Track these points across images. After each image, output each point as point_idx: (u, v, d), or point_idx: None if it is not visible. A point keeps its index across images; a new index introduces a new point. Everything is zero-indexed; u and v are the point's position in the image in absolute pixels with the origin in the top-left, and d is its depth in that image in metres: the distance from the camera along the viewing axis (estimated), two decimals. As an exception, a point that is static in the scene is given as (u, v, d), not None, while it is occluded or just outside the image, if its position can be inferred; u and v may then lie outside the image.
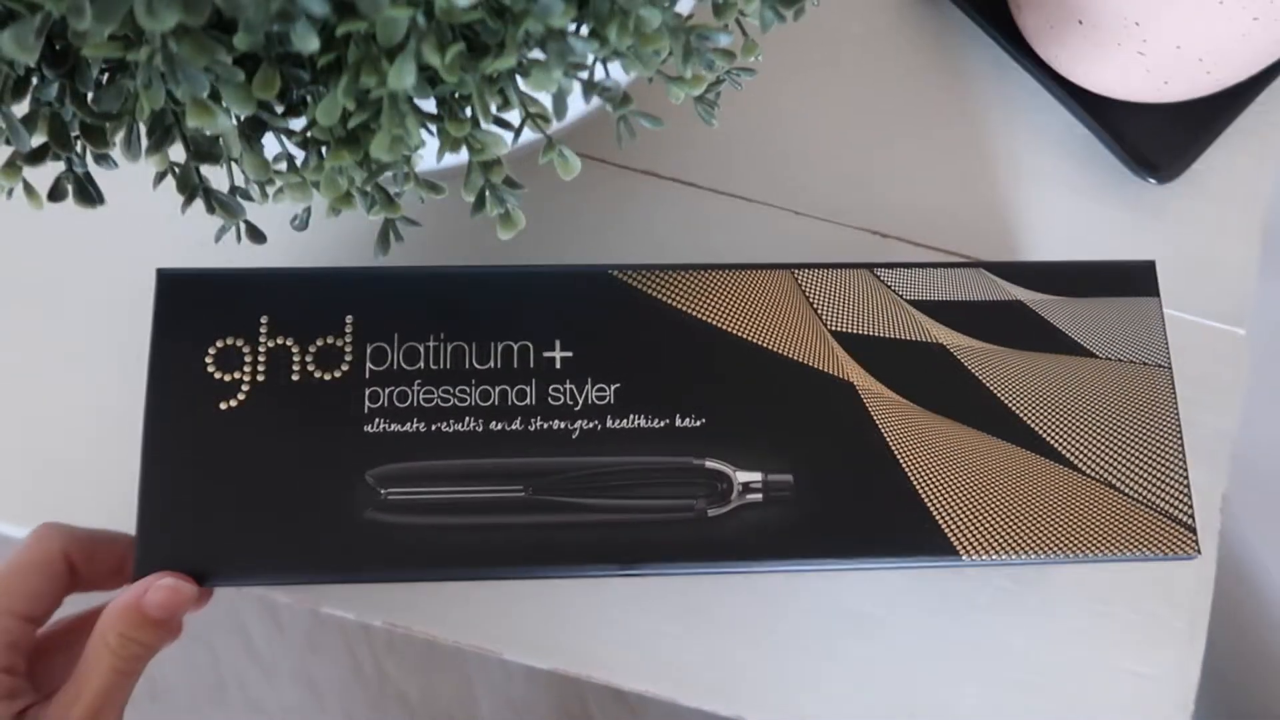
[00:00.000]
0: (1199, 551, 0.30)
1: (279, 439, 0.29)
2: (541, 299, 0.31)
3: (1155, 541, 0.30)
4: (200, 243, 0.31)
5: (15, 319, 0.38)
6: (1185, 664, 0.38)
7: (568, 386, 0.31)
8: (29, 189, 0.25)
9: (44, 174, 0.24)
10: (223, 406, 0.30)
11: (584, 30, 0.22)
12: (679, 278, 0.32)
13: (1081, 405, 0.32)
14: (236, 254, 0.35)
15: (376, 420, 0.30)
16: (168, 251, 0.33)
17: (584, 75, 0.23)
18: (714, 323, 0.32)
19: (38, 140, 0.24)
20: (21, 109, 0.23)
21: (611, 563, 0.29)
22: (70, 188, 0.25)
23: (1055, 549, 0.30)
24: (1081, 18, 0.36)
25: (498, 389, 0.30)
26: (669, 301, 0.32)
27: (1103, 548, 0.30)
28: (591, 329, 0.31)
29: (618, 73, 0.27)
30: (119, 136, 0.23)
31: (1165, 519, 0.31)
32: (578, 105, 0.29)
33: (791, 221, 0.41)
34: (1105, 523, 0.31)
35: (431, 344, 0.31)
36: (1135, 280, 0.34)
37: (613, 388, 0.31)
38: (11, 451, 0.37)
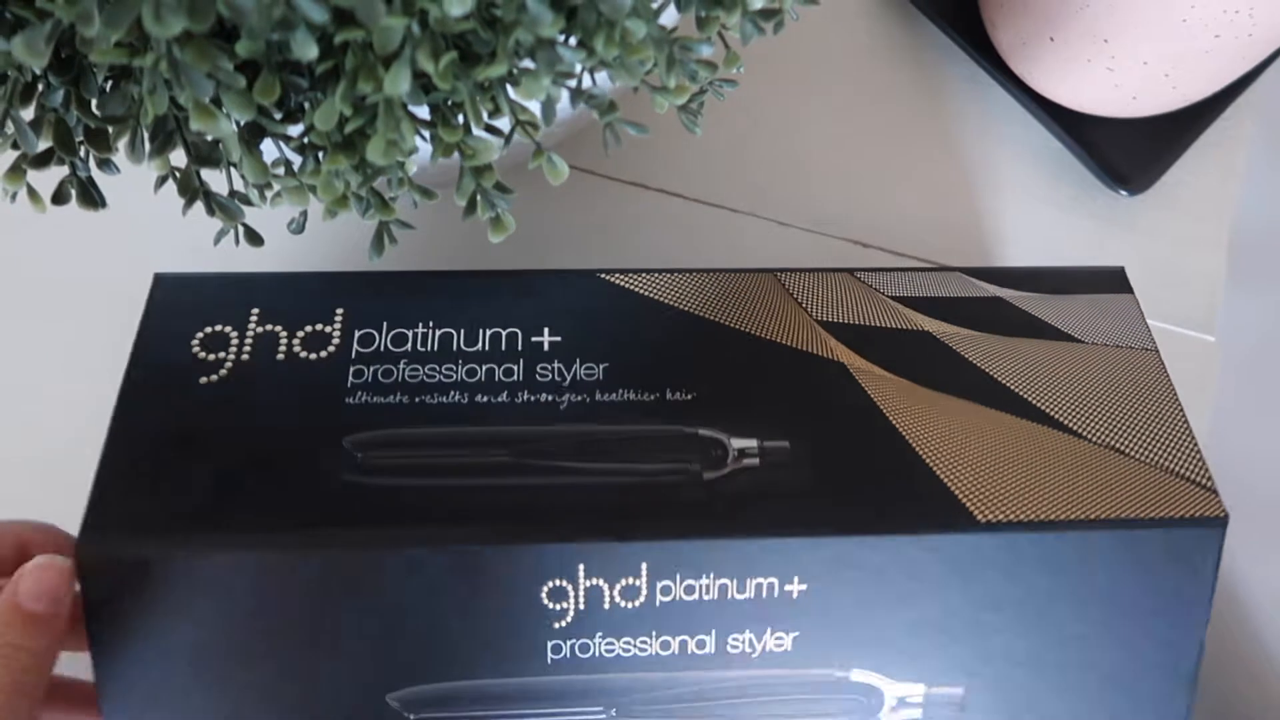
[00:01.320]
0: (1225, 513, 0.29)
1: (255, 410, 0.29)
2: (531, 295, 0.32)
3: (1177, 503, 0.29)
4: (196, 249, 0.32)
5: (13, 322, 0.39)
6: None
7: (555, 365, 0.30)
8: (32, 193, 0.25)
9: (45, 179, 0.25)
10: (202, 381, 0.29)
11: (572, 41, 0.23)
12: (666, 279, 0.33)
13: (1076, 381, 0.31)
14: (234, 258, 0.36)
15: (359, 394, 0.29)
16: (165, 256, 0.34)
17: (572, 84, 0.24)
18: (701, 314, 0.32)
19: (43, 145, 0.24)
20: (27, 115, 0.24)
21: (601, 527, 0.27)
22: (74, 191, 0.25)
23: (1075, 510, 0.28)
24: (1053, 35, 0.38)
25: (484, 367, 0.30)
26: (656, 298, 0.32)
27: (1124, 509, 0.28)
28: (580, 318, 0.31)
29: (605, 84, 0.28)
30: (123, 141, 0.24)
31: (1183, 481, 0.29)
32: (567, 114, 0.30)
33: (775, 231, 0.42)
34: (1123, 485, 0.29)
35: (420, 330, 0.31)
36: (1108, 283, 0.35)
37: (601, 366, 0.30)
38: (10, 455, 0.38)
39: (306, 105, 0.24)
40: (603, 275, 0.33)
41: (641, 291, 0.33)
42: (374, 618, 0.27)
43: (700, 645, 0.28)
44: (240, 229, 0.27)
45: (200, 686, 0.28)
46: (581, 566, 0.27)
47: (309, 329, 0.30)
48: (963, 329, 0.32)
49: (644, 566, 0.27)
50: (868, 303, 0.33)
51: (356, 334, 0.31)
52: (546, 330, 0.31)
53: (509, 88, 0.24)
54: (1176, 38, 0.35)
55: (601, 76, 0.25)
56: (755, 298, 0.33)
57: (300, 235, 0.29)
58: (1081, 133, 0.41)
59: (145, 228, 0.38)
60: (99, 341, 0.38)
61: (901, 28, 0.45)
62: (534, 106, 0.24)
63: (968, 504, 0.28)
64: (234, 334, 0.30)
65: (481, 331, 0.31)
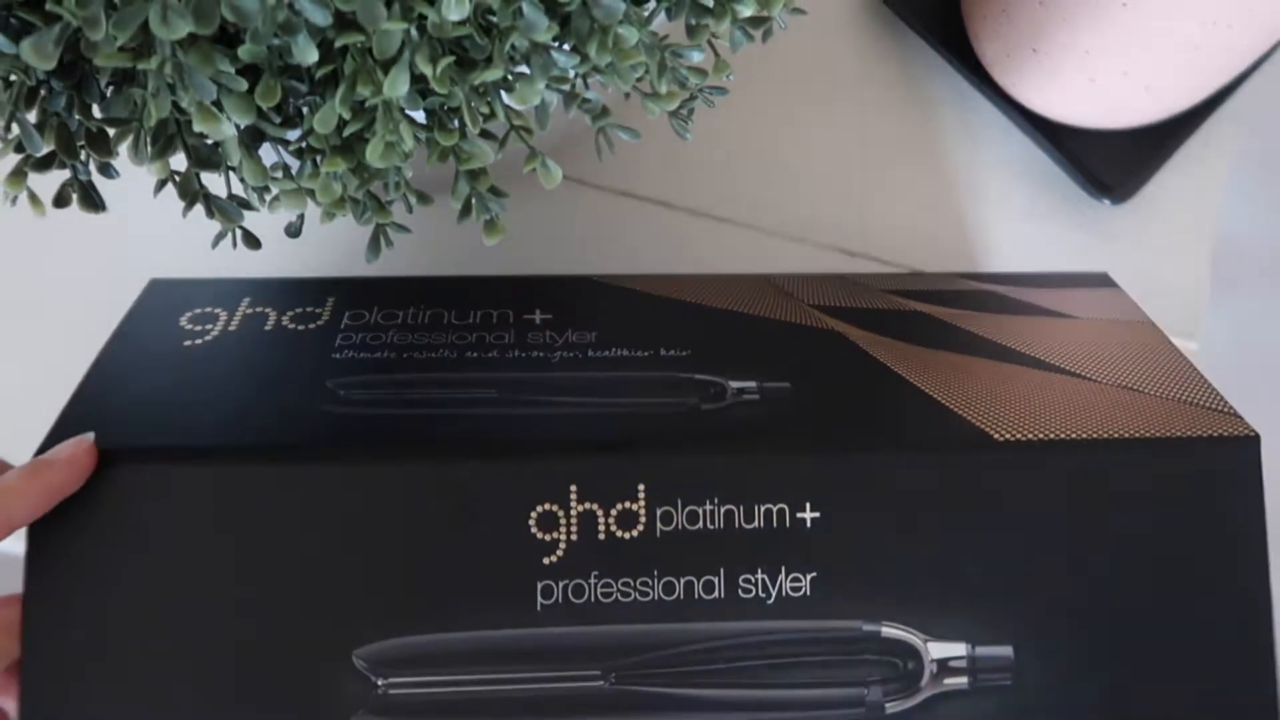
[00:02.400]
0: (1256, 434, 0.26)
1: (237, 363, 0.28)
2: (523, 288, 0.33)
3: (1203, 425, 0.26)
4: (193, 257, 0.32)
5: (9, 324, 0.39)
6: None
7: (547, 333, 0.30)
8: (33, 196, 0.26)
9: (45, 184, 0.26)
10: (186, 344, 0.29)
11: (566, 46, 0.24)
12: (657, 280, 0.33)
13: (1076, 342, 0.30)
14: (230, 266, 0.36)
15: (345, 351, 0.29)
16: (161, 261, 0.34)
17: (565, 88, 0.24)
18: (693, 301, 0.32)
19: (44, 149, 0.25)
20: (30, 118, 0.24)
21: (594, 446, 0.25)
22: (75, 195, 0.26)
23: (1096, 431, 0.26)
24: (1035, 46, 0.39)
25: (474, 335, 0.29)
26: (648, 291, 0.33)
27: (1148, 430, 0.26)
28: (571, 302, 0.31)
29: (598, 93, 0.29)
30: (124, 144, 0.24)
31: (1204, 410, 0.27)
32: (560, 120, 0.31)
33: (763, 240, 0.43)
34: (1143, 413, 0.27)
35: (410, 310, 0.30)
36: (1094, 283, 0.36)
37: (593, 333, 0.29)
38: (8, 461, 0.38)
39: (304, 110, 0.25)
40: (595, 278, 0.33)
41: (634, 288, 0.33)
42: (342, 549, 0.24)
43: (708, 588, 0.25)
44: (238, 232, 0.28)
45: (138, 639, 0.24)
46: (574, 489, 0.25)
47: (299, 310, 0.30)
48: (955, 310, 0.32)
49: (641, 489, 0.25)
50: (860, 294, 0.33)
51: (347, 313, 0.30)
52: (538, 311, 0.31)
53: (504, 95, 0.24)
54: (1156, 49, 0.36)
55: (594, 84, 0.26)
56: (747, 292, 0.33)
57: (296, 242, 0.29)
58: (1065, 143, 0.42)
59: (142, 235, 0.38)
60: (94, 346, 0.39)
61: (888, 40, 0.46)
62: (528, 111, 0.25)
63: (983, 427, 0.26)
64: (223, 313, 0.30)
65: (473, 312, 0.31)
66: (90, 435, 0.25)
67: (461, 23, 0.21)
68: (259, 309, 0.30)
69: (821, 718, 0.25)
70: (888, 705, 0.25)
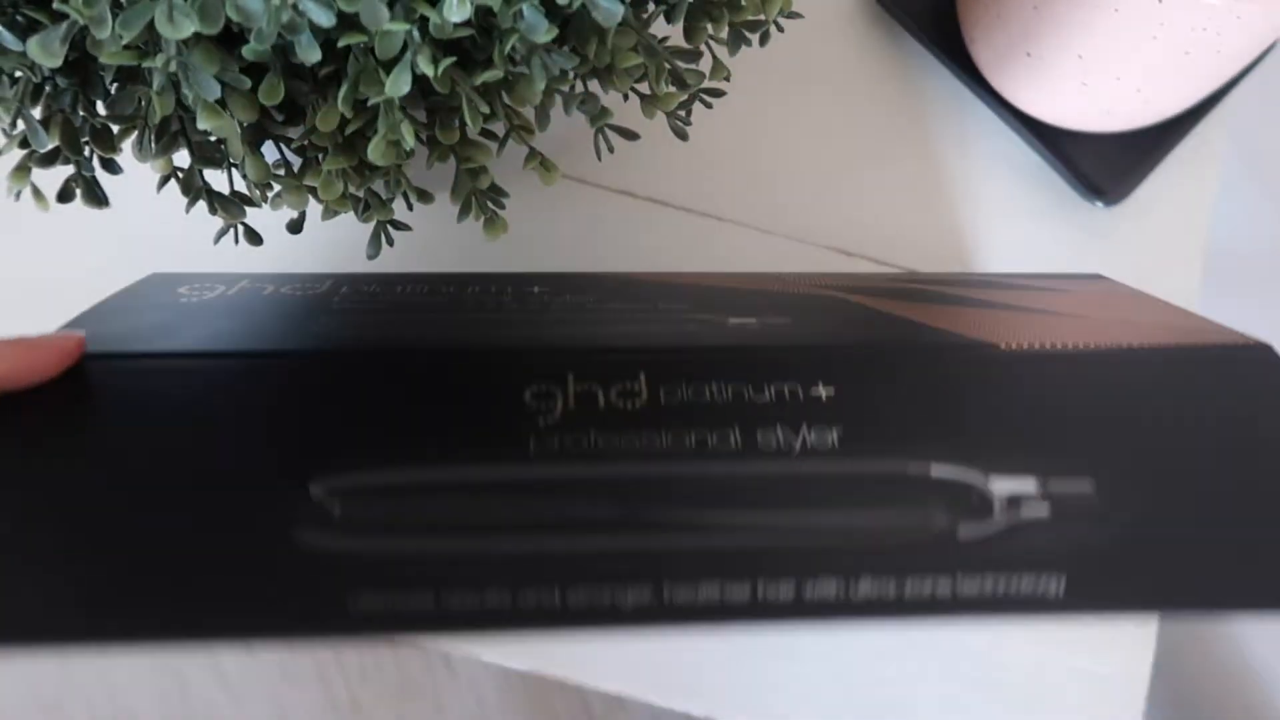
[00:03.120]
0: (1266, 342, 0.25)
1: (232, 311, 0.28)
2: (523, 279, 0.33)
3: (1213, 337, 0.25)
4: (195, 252, 0.32)
5: (10, 322, 0.39)
6: (1137, 663, 0.40)
7: (544, 297, 0.30)
8: (36, 191, 0.26)
9: (49, 180, 0.26)
10: (183, 302, 0.29)
11: (566, 48, 0.24)
12: (655, 275, 0.34)
13: (1075, 303, 0.31)
14: (233, 259, 0.36)
15: (344, 302, 0.29)
16: (164, 257, 0.35)
17: (565, 88, 0.25)
18: (694, 284, 0.33)
19: (49, 144, 0.25)
20: (35, 114, 0.25)
21: (590, 348, 0.24)
22: (78, 190, 0.26)
23: (1108, 341, 0.24)
24: (1029, 50, 0.39)
25: (473, 300, 0.30)
26: (646, 282, 0.34)
27: (1158, 341, 0.24)
28: (571, 282, 0.32)
29: (597, 94, 0.29)
30: (128, 141, 0.24)
31: (1209, 331, 0.26)
32: (561, 121, 0.31)
33: (762, 239, 0.43)
34: (1150, 331, 0.26)
35: (411, 285, 0.31)
36: (1088, 281, 0.36)
37: (591, 297, 0.30)
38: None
39: (307, 109, 0.25)
40: (593, 274, 0.34)
41: (630, 278, 0.34)
42: (310, 413, 0.22)
43: (724, 440, 0.22)
44: (240, 228, 0.28)
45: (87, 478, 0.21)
46: (571, 375, 0.23)
47: (299, 284, 0.32)
48: (958, 289, 0.33)
49: (642, 375, 0.23)
50: (859, 280, 0.34)
51: (345, 285, 0.31)
52: (536, 287, 0.32)
53: (504, 93, 0.24)
54: (1148, 54, 0.36)
55: (593, 85, 0.26)
56: (745, 282, 0.34)
57: (297, 239, 0.30)
58: (1058, 146, 0.43)
59: (145, 231, 0.38)
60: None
61: (884, 43, 0.46)
62: (527, 113, 0.25)
63: (985, 338, 0.24)
64: (221, 285, 0.31)
65: (471, 286, 0.32)
66: (81, 331, 0.24)
67: (463, 24, 0.21)
68: (257, 285, 0.31)
69: (879, 546, 0.21)
70: (960, 530, 0.21)
